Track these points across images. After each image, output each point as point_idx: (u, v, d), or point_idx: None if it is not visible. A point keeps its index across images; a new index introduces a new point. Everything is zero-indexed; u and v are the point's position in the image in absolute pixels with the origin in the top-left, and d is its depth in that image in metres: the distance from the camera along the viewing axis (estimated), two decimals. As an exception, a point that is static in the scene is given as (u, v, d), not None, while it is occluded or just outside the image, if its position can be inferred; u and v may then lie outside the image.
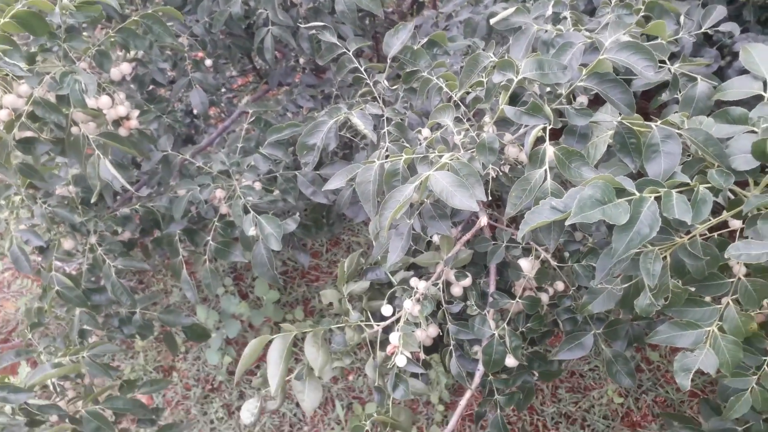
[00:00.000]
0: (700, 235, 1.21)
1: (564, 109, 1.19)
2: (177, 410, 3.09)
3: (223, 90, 2.94)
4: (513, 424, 2.98)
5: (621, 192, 1.05)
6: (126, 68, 1.71)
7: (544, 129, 1.18)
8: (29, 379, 1.43)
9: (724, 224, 1.24)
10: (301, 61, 2.63)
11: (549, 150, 1.14)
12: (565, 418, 3.00)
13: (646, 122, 1.15)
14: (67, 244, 1.85)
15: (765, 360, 1.33)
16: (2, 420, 1.37)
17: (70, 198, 1.83)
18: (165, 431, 1.75)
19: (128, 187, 1.54)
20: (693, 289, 1.21)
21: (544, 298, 1.56)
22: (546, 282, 1.51)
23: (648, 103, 1.68)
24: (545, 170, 1.14)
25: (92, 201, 1.56)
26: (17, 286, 3.71)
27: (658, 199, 1.05)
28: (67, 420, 1.46)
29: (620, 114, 1.19)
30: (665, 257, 1.17)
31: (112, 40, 1.56)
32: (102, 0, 1.43)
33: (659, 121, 1.15)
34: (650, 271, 1.13)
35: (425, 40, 1.70)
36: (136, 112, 1.66)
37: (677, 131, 1.13)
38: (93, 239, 1.84)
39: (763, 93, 1.26)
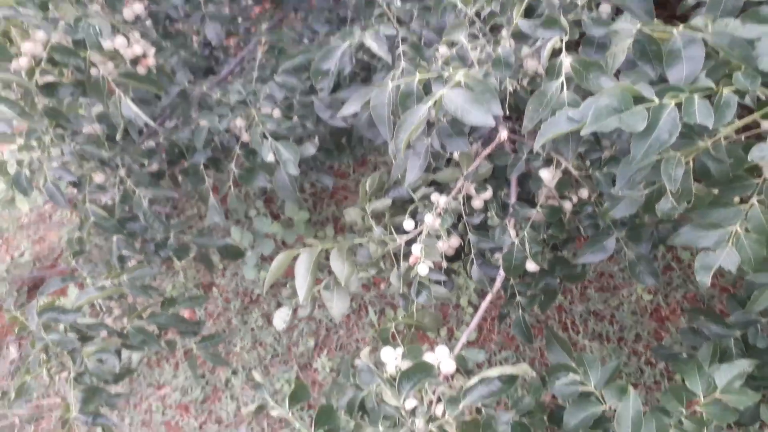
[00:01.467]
0: (726, 138, 1.20)
1: (581, 19, 1.15)
2: (219, 321, 3.28)
3: (240, 20, 2.90)
4: (542, 322, 3.09)
5: (640, 100, 1.04)
6: (138, 7, 1.70)
7: (561, 41, 1.15)
8: (77, 301, 1.55)
9: (756, 125, 1.22)
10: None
11: (566, 61, 1.12)
12: (593, 316, 3.10)
13: (667, 28, 1.11)
14: (99, 178, 1.93)
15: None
16: (56, 337, 1.49)
17: (96, 135, 1.88)
18: (207, 340, 1.90)
19: (150, 122, 1.57)
20: (716, 191, 1.21)
21: (567, 206, 1.58)
22: (568, 190, 1.52)
23: (677, 6, 1.60)
24: (562, 82, 1.12)
25: (117, 138, 1.60)
26: (58, 217, 3.88)
27: (679, 105, 1.04)
28: (115, 335, 1.59)
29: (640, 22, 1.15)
30: (688, 162, 1.17)
31: (120, -24, 1.54)
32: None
33: (681, 26, 1.11)
34: (672, 177, 1.13)
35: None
36: (153, 50, 1.66)
37: (700, 35, 1.09)
38: (122, 172, 1.91)
39: (795, -14, 1.19)
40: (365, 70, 2.31)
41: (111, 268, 2.03)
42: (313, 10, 2.41)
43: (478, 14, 1.40)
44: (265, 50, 2.07)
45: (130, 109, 1.52)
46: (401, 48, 1.55)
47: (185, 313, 3.26)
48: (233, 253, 2.18)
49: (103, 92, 1.49)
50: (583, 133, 1.01)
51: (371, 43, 1.52)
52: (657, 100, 1.03)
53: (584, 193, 1.60)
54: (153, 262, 2.11)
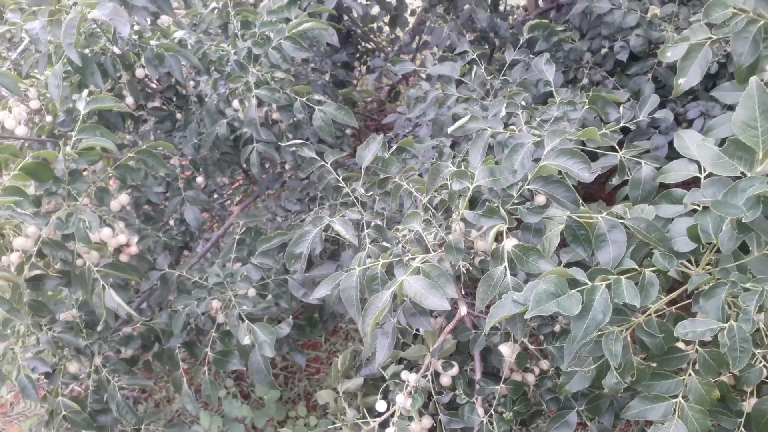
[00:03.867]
0: (658, 312, 1.32)
1: (517, 208, 1.33)
2: None
3: (215, 195, 3.11)
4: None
5: (575, 282, 1.17)
6: (125, 199, 1.86)
7: (501, 228, 1.31)
8: None
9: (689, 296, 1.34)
10: (287, 167, 2.81)
11: (507, 246, 1.27)
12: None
13: (592, 214, 1.28)
14: (73, 367, 1.93)
15: (740, 422, 1.40)
16: None
17: (74, 322, 1.93)
18: None
19: (133, 313, 1.65)
20: (654, 364, 1.31)
21: (530, 378, 1.64)
22: (526, 364, 1.60)
23: (604, 186, 1.83)
24: (505, 267, 1.26)
25: (99, 329, 1.66)
26: (21, 408, 3.72)
27: (609, 286, 1.17)
28: None
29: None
30: (626, 337, 1.28)
31: (110, 176, 1.71)
32: (102, 144, 1.59)
33: (605, 213, 1.29)
34: (612, 352, 1.23)
35: (395, 147, 1.86)
36: (135, 238, 1.80)
37: (620, 221, 1.27)
38: (98, 360, 1.93)
39: (699, 175, 1.40)
40: (335, 245, 2.47)
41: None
42: (285, 189, 2.62)
43: (431, 201, 1.58)
44: (242, 232, 2.22)
45: (113, 300, 1.60)
46: (366, 231, 1.71)
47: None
48: (201, 445, 2.12)
49: (88, 283, 1.58)
50: (526, 317, 1.13)
51: (339, 228, 1.67)
52: (589, 283, 1.17)
53: (545, 365, 1.67)
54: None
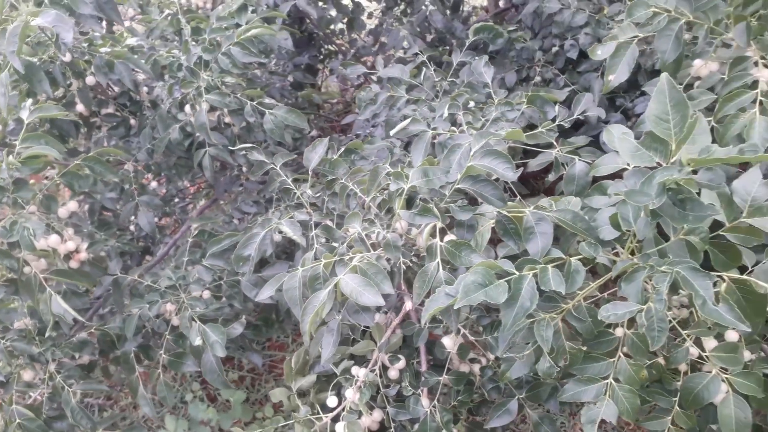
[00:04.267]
0: (589, 299, 1.38)
1: (449, 206, 1.37)
2: None
3: (176, 200, 3.11)
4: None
5: (503, 273, 1.22)
6: (73, 206, 1.86)
7: (435, 226, 1.36)
8: None
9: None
10: (244, 170, 2.83)
11: (440, 243, 1.32)
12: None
13: (520, 209, 1.34)
14: (27, 375, 1.93)
15: (675, 401, 1.47)
16: None
17: (28, 330, 1.93)
18: None
19: (80, 318, 1.66)
20: (585, 348, 1.36)
21: (476, 369, 1.69)
22: (473, 356, 1.65)
23: (542, 181, 1.89)
24: (437, 262, 1.31)
25: (47, 335, 1.67)
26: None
27: (536, 275, 1.23)
28: None
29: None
30: (557, 323, 1.33)
31: (58, 183, 1.72)
32: (46, 152, 1.60)
33: (532, 207, 1.34)
34: (544, 338, 1.28)
35: (343, 149, 1.90)
36: (85, 245, 1.80)
37: (547, 214, 1.32)
38: (52, 367, 1.93)
39: (627, 166, 1.46)
40: (292, 245, 2.49)
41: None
42: (242, 192, 2.64)
43: (373, 201, 1.62)
44: (194, 234, 2.23)
45: (59, 306, 1.61)
46: (314, 231, 1.74)
47: None
48: (164, 445, 2.13)
49: (35, 291, 1.59)
50: (455, 307, 1.17)
51: (286, 229, 1.71)
52: (517, 273, 1.22)
53: (491, 355, 1.72)
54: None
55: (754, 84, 1.55)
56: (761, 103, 1.52)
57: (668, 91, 1.18)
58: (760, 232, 1.24)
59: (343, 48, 4.02)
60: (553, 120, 1.78)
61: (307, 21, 3.63)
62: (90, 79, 2.19)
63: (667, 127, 1.19)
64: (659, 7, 1.52)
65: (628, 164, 1.42)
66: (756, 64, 1.59)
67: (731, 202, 1.22)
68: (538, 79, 2.98)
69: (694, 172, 1.15)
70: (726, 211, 1.24)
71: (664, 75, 1.19)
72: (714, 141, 1.37)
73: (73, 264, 1.79)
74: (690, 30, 1.61)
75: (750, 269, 1.37)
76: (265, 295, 1.53)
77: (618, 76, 1.61)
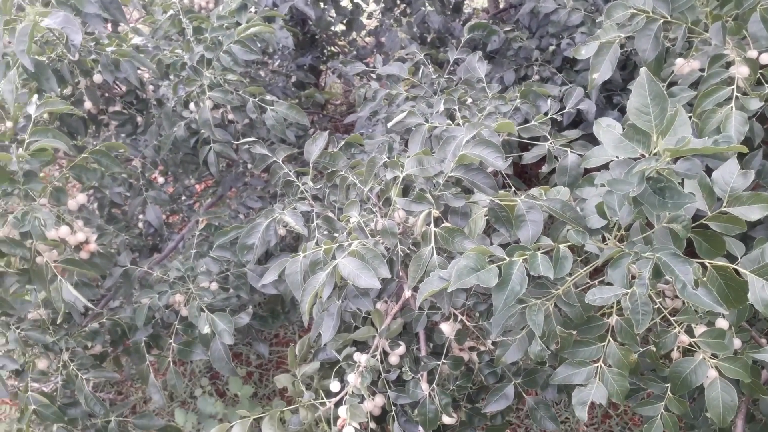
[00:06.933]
0: (580, 285, 1.44)
1: (443, 194, 1.43)
2: None
3: (183, 198, 3.18)
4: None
5: (495, 259, 1.28)
6: (82, 198, 1.93)
7: (430, 213, 1.41)
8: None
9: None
10: (249, 166, 2.89)
11: (434, 230, 1.38)
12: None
13: (512, 198, 1.39)
14: (42, 363, 2.00)
15: (667, 387, 1.52)
16: None
17: (42, 320, 2.00)
18: None
19: (90, 306, 1.72)
20: (575, 332, 1.42)
21: (475, 357, 1.75)
22: (465, 341, 1.71)
23: (540, 178, 1.95)
24: (432, 247, 1.36)
25: (58, 322, 1.74)
26: (-1, 412, 3.75)
27: (526, 260, 1.28)
28: None
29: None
30: (548, 308, 1.39)
31: (67, 176, 1.79)
32: (53, 145, 1.67)
33: (523, 196, 1.40)
34: (535, 322, 1.33)
35: (342, 143, 1.96)
36: (95, 236, 1.87)
37: (537, 203, 1.38)
38: (65, 356, 2.00)
39: (615, 158, 1.52)
40: (297, 241, 2.56)
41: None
42: (247, 188, 2.71)
43: (371, 191, 1.68)
44: (201, 228, 2.30)
45: (70, 293, 1.68)
46: (316, 222, 1.80)
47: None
48: (174, 435, 2.19)
49: (46, 279, 1.66)
50: (449, 290, 1.23)
51: (288, 219, 1.77)
52: (507, 258, 1.28)
53: (490, 344, 1.78)
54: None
55: (731, 80, 1.61)
56: (737, 98, 1.57)
57: (647, 84, 1.23)
58: (740, 221, 1.29)
59: (345, 49, 4.09)
60: (546, 114, 1.84)
61: (309, 23, 3.70)
62: (97, 77, 2.26)
63: (648, 120, 1.24)
64: (637, 8, 1.58)
65: (617, 156, 1.49)
66: (732, 62, 1.65)
67: (712, 192, 1.27)
68: (536, 77, 3.03)
69: (675, 162, 1.20)
70: (707, 200, 1.29)
71: (643, 69, 1.24)
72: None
73: (83, 255, 1.86)
74: (669, 30, 1.67)
75: (738, 260, 1.41)
76: (269, 279, 1.59)
77: (602, 75, 1.67)
